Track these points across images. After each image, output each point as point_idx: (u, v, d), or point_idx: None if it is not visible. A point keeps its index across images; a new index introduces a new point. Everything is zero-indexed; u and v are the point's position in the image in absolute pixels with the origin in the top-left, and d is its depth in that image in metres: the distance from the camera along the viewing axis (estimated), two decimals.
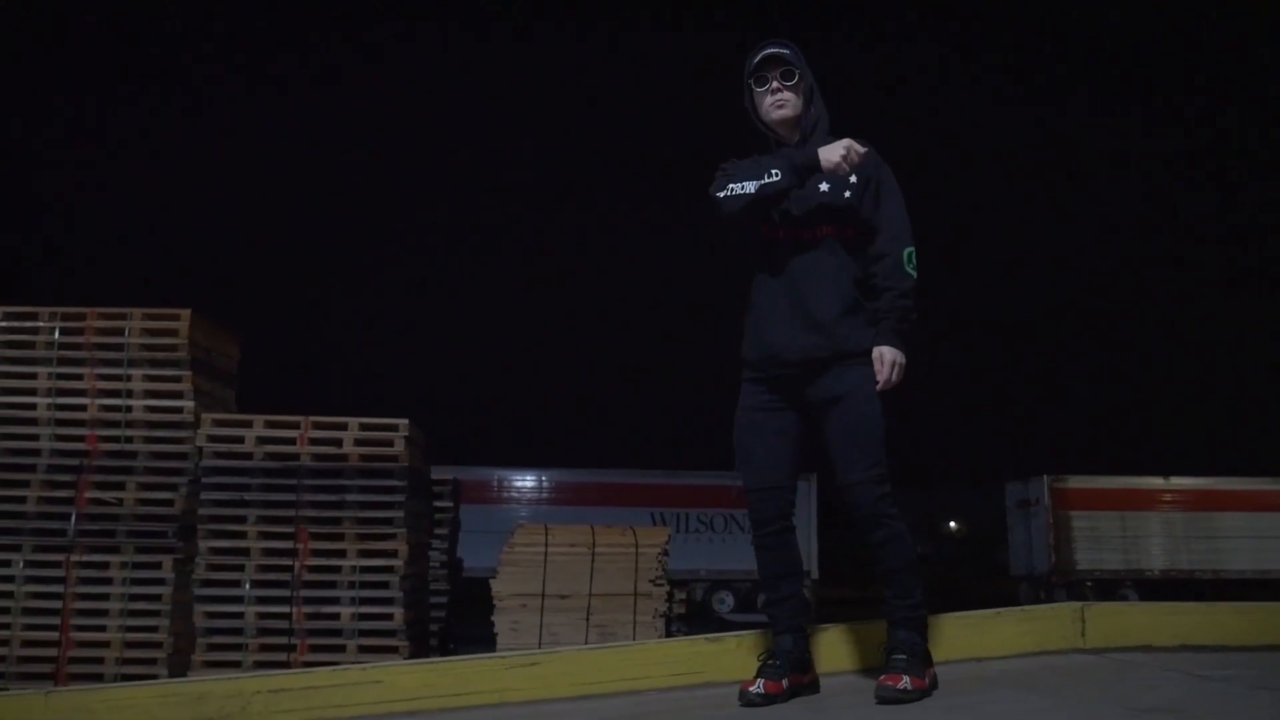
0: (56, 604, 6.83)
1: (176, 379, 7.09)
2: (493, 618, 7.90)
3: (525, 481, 18.72)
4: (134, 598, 6.86)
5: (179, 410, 7.09)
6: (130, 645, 6.82)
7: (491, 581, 7.95)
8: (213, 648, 6.87)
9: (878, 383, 2.86)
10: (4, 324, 7.06)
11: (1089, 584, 19.62)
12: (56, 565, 6.87)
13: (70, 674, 6.75)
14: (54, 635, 6.81)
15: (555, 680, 2.65)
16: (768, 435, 2.97)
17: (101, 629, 6.82)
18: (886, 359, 2.85)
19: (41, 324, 7.08)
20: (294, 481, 7.04)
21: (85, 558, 6.88)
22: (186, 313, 7.12)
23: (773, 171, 2.84)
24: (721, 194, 2.88)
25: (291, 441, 7.11)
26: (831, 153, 2.84)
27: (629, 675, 2.76)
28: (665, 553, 8.00)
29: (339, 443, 7.11)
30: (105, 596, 6.85)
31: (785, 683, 2.82)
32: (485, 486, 17.44)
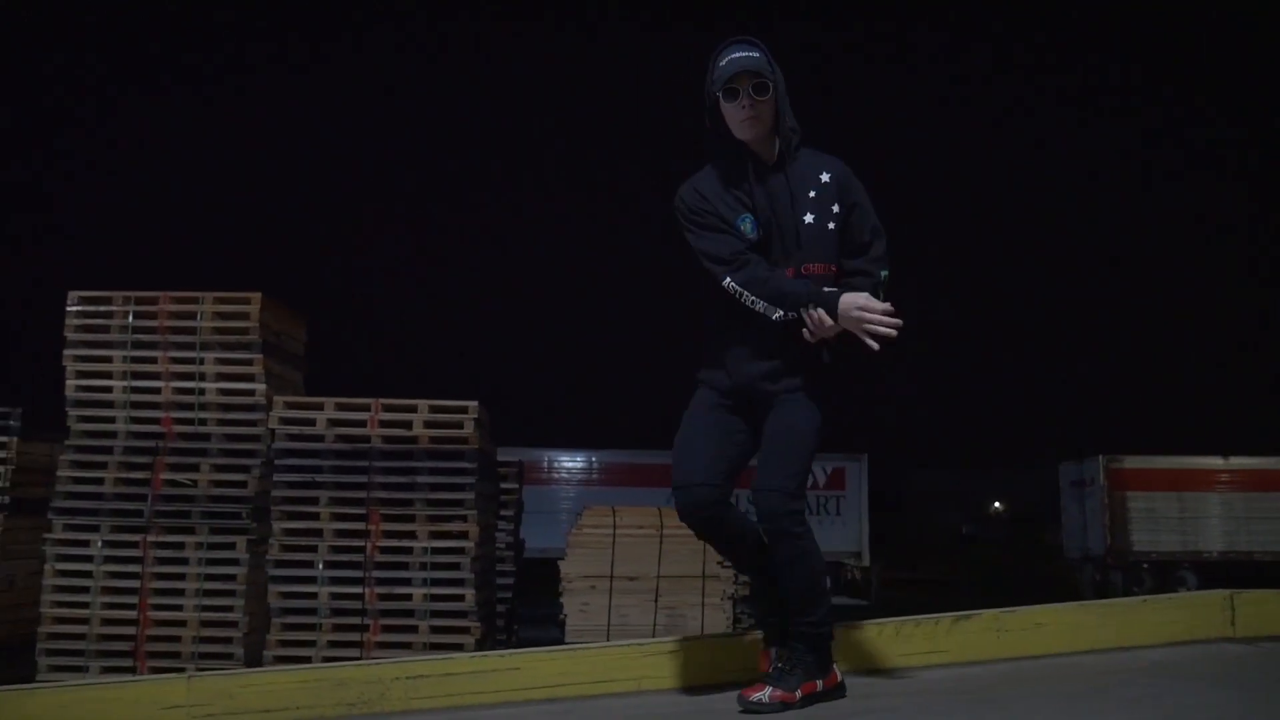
0: (134, 584, 6.93)
1: (248, 362, 7.14)
2: (561, 599, 7.90)
3: (576, 462, 18.77)
4: (209, 578, 6.94)
5: (251, 393, 7.14)
6: (206, 625, 6.91)
7: (560, 563, 7.96)
8: (287, 628, 6.93)
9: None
10: (80, 308, 7.14)
11: (1145, 566, 19.32)
12: (133, 546, 6.96)
13: (148, 653, 6.86)
14: (132, 614, 6.91)
15: (693, 669, 2.62)
16: (707, 434, 2.83)
17: (178, 609, 6.91)
18: (859, 301, 2.68)
19: (116, 308, 7.15)
20: (365, 463, 7.07)
21: (161, 538, 6.97)
22: (257, 296, 7.16)
23: (778, 314, 2.70)
24: (742, 285, 2.72)
25: (362, 424, 7.14)
26: (851, 313, 2.66)
27: (753, 663, 2.72)
28: None
29: (409, 425, 7.13)
30: (181, 577, 6.94)
31: (774, 650, 2.86)
32: (536, 468, 17.50)
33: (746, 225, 2.76)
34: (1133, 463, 19.83)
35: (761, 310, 2.70)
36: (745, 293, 2.71)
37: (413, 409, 7.16)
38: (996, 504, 47.14)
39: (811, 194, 2.77)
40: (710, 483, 2.75)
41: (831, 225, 2.77)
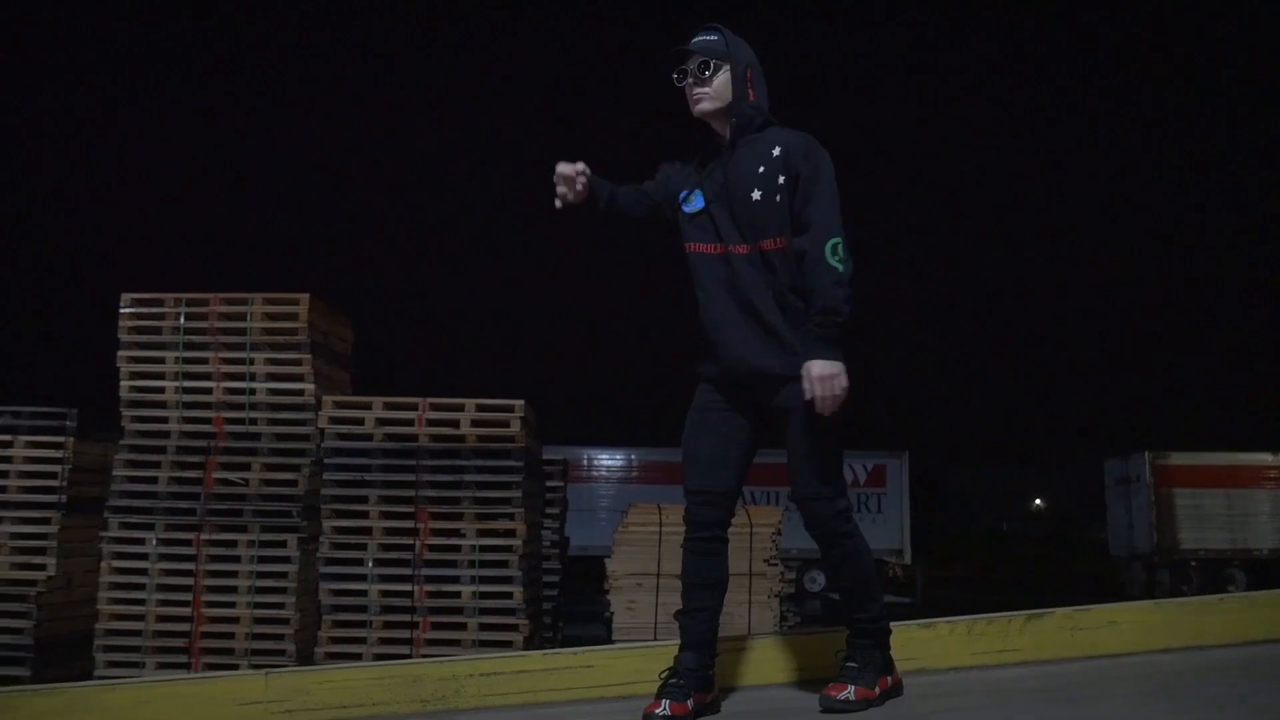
0: (188, 581, 7.01)
1: (297, 362, 7.20)
2: (608, 596, 7.90)
3: (615, 460, 18.79)
4: (261, 575, 7.00)
5: (300, 393, 7.20)
6: (259, 622, 6.97)
7: (607, 561, 7.96)
8: (338, 624, 6.98)
9: (820, 401, 2.62)
10: (133, 310, 7.23)
11: (1193, 564, 19.03)
12: (187, 544, 7.04)
13: (203, 649, 6.94)
14: (186, 611, 6.99)
15: (767, 666, 2.60)
16: (715, 438, 2.82)
17: (231, 605, 6.98)
18: (814, 373, 2.60)
19: (167, 310, 7.24)
20: (413, 462, 7.11)
21: (214, 536, 7.05)
22: (305, 297, 7.21)
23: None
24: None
25: (410, 423, 7.17)
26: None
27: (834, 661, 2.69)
28: (779, 532, 7.92)
29: (456, 424, 7.16)
30: (234, 574, 7.01)
31: (690, 703, 2.68)
32: (575, 466, 17.53)
33: (693, 198, 2.80)
34: (1179, 459, 19.54)
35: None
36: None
37: (460, 408, 7.19)
38: (1037, 501, 46.64)
39: (761, 169, 2.76)
40: (726, 490, 2.81)
41: (779, 198, 2.73)
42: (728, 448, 2.81)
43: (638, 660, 2.75)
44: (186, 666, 6.92)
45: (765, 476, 19.05)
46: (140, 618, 6.96)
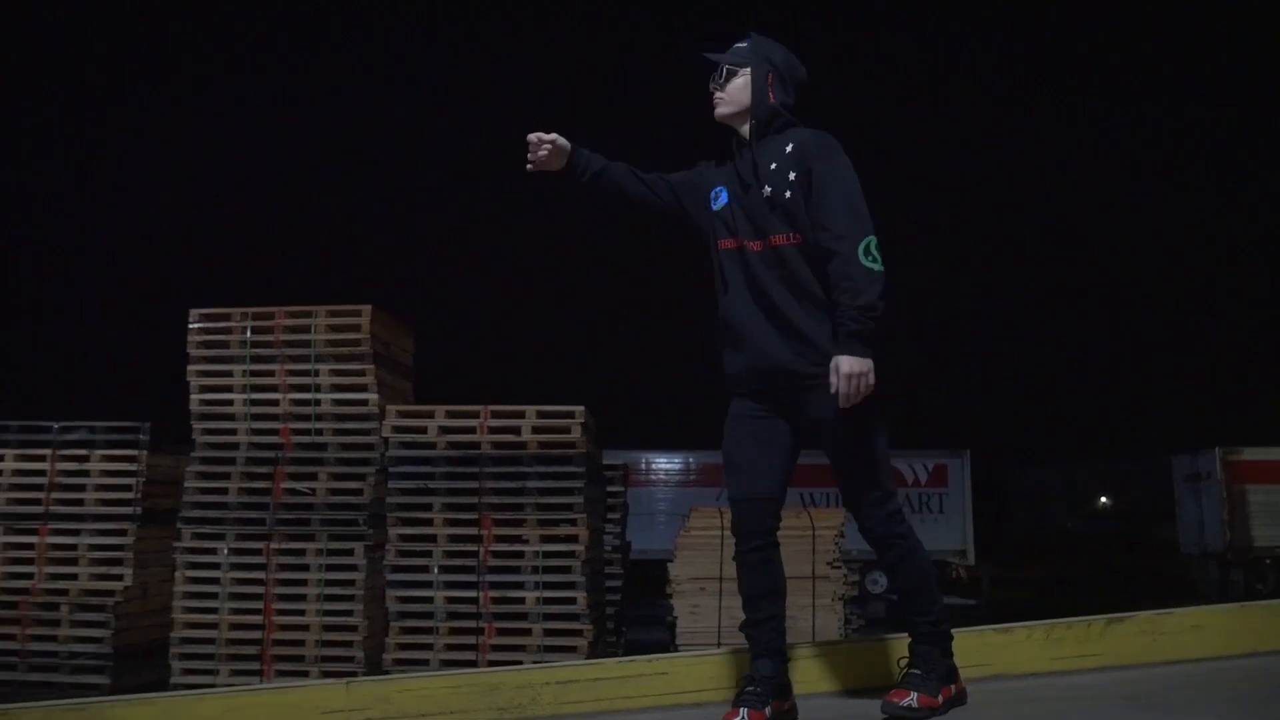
0: (259, 590, 7.15)
1: (360, 373, 7.31)
2: (671, 601, 7.90)
3: (674, 464, 18.78)
4: (329, 583, 7.12)
5: (364, 403, 7.31)
6: (328, 629, 7.09)
7: (669, 565, 7.96)
8: (404, 631, 7.08)
9: (844, 397, 2.60)
10: (201, 325, 7.40)
11: (1268, 561, 18.48)
12: (257, 553, 7.19)
13: (274, 656, 7.08)
14: (258, 619, 7.13)
15: (840, 673, 2.58)
16: (755, 445, 2.80)
17: (300, 613, 7.11)
18: (842, 369, 2.59)
19: (234, 324, 7.39)
20: (476, 469, 7.18)
21: (283, 545, 7.18)
22: (368, 308, 7.32)
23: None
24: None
25: (472, 430, 7.25)
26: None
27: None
28: (841, 534, 7.86)
29: (517, 430, 7.22)
30: (303, 582, 7.14)
31: (769, 710, 2.65)
32: (632, 470, 17.53)
33: (719, 196, 2.88)
34: (1251, 454, 19.00)
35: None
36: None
37: (521, 415, 7.25)
38: (1103, 499, 45.66)
39: (773, 165, 2.80)
40: (771, 496, 2.80)
41: (789, 194, 2.75)
42: (769, 454, 2.80)
43: (713, 667, 2.75)
44: (259, 674, 7.06)
45: (823, 478, 18.96)
46: (214, 626, 7.11)
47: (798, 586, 7.56)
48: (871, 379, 2.61)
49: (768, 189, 2.77)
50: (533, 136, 2.91)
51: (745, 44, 2.94)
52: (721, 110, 2.92)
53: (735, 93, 2.89)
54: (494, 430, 7.24)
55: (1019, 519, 38.69)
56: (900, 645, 2.89)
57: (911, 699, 2.66)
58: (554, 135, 2.90)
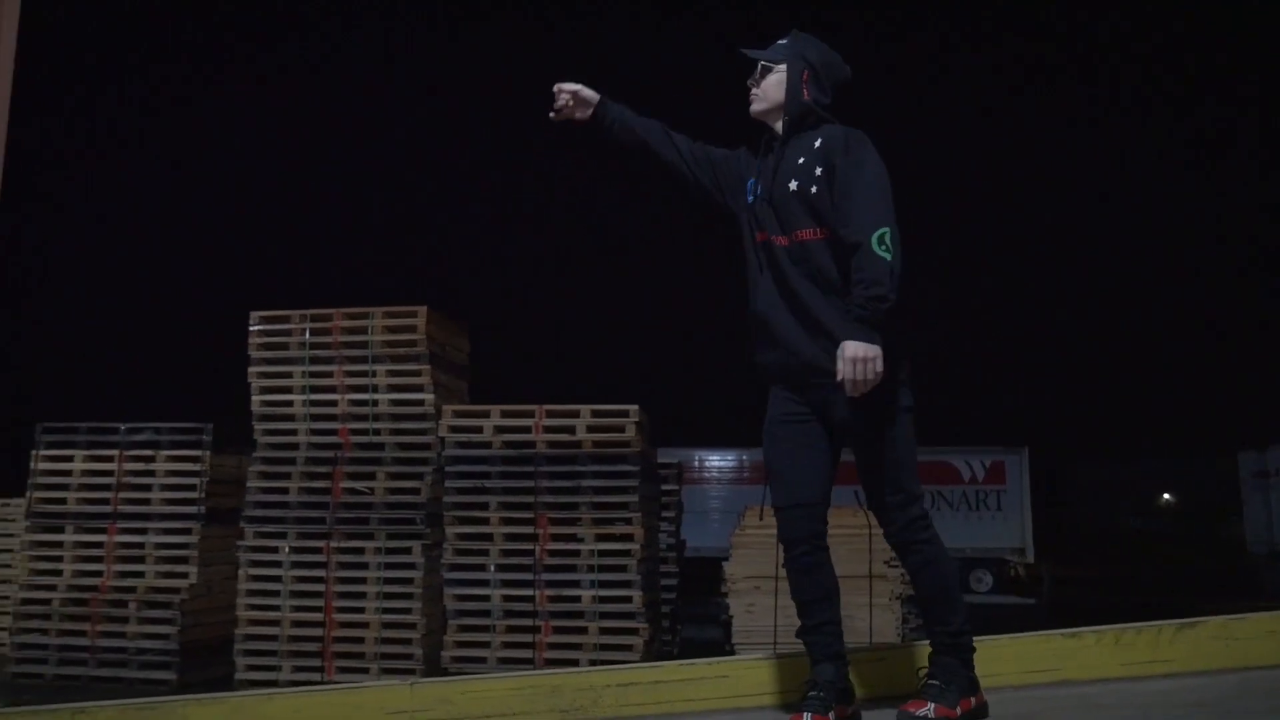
0: (319, 588, 7.26)
1: (416, 373, 7.39)
2: (727, 599, 7.88)
3: (727, 461, 18.73)
4: (388, 582, 7.21)
5: (420, 403, 7.39)
6: (387, 627, 7.18)
7: (724, 564, 7.94)
8: (462, 629, 7.15)
9: (850, 383, 2.54)
10: (261, 327, 7.54)
11: None
12: (317, 551, 7.30)
13: (334, 653, 7.19)
14: (318, 617, 7.25)
15: (903, 677, 2.56)
16: (795, 449, 2.76)
17: (360, 610, 7.21)
18: (847, 353, 2.54)
19: (294, 326, 7.52)
20: (531, 469, 7.23)
21: (342, 544, 7.29)
22: (423, 309, 7.40)
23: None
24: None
25: (527, 430, 7.30)
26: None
27: (981, 672, 2.62)
28: None
29: (572, 430, 7.25)
30: (362, 580, 7.24)
31: (832, 715, 2.61)
32: (686, 467, 17.53)
33: (755, 190, 2.87)
34: None
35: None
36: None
37: (575, 414, 7.28)
38: (1166, 496, 44.66)
39: (800, 160, 2.80)
40: (815, 500, 2.75)
41: (814, 189, 2.74)
42: (810, 457, 2.77)
43: (774, 670, 2.73)
44: (320, 670, 7.18)
45: (850, 475, 18.79)
46: (276, 623, 7.25)
47: (854, 586, 7.49)
48: (879, 366, 2.55)
49: (794, 184, 2.77)
50: (557, 86, 2.97)
51: (785, 41, 2.95)
52: (756, 106, 2.94)
53: (770, 89, 2.90)
54: (549, 430, 7.28)
55: (1078, 516, 37.97)
56: (922, 653, 2.83)
57: (928, 709, 2.59)
58: (577, 85, 2.96)
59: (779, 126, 2.89)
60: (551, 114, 2.98)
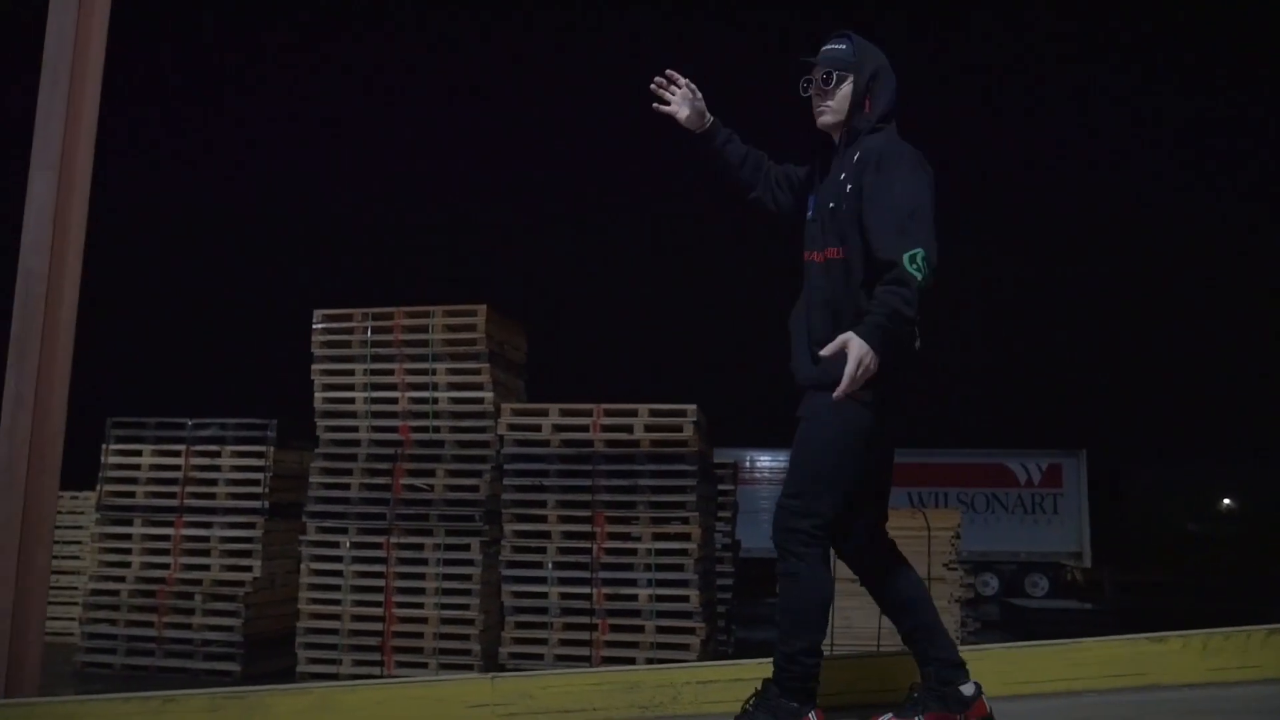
0: (379, 583, 7.35)
1: (476, 371, 7.45)
2: None
3: (776, 461, 18.64)
4: (447, 578, 7.28)
5: (480, 401, 7.45)
6: (445, 622, 7.25)
7: None
8: (520, 625, 7.19)
9: (839, 384, 2.44)
10: (325, 325, 7.64)
11: None
12: (377, 547, 7.39)
13: (394, 648, 7.27)
14: (378, 612, 7.33)
15: (987, 678, 2.53)
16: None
17: (419, 606, 7.28)
18: (851, 348, 2.43)
19: (356, 324, 7.62)
20: (589, 467, 7.25)
21: (402, 539, 7.37)
22: (483, 308, 7.46)
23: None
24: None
25: (585, 429, 7.32)
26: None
27: (1065, 675, 2.59)
28: (957, 535, 7.68)
29: (630, 429, 7.26)
30: (421, 576, 7.31)
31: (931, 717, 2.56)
32: (737, 468, 17.47)
33: (809, 204, 2.83)
34: None
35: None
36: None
37: (633, 413, 7.29)
38: (1226, 500, 43.66)
39: (841, 176, 2.73)
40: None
41: (844, 206, 2.69)
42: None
43: (848, 671, 2.71)
44: (380, 664, 7.27)
45: (933, 477, 18.61)
46: (337, 617, 7.34)
47: None
48: (873, 367, 2.44)
49: (832, 203, 2.73)
50: (670, 73, 2.88)
51: (844, 46, 2.79)
52: (827, 119, 2.80)
53: (841, 102, 2.78)
54: (607, 428, 7.30)
55: (1134, 520, 37.24)
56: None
57: None
58: (688, 82, 2.88)
59: (837, 139, 2.81)
60: (657, 103, 2.91)
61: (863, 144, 2.73)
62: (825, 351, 2.49)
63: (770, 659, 2.56)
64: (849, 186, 2.68)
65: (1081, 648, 2.77)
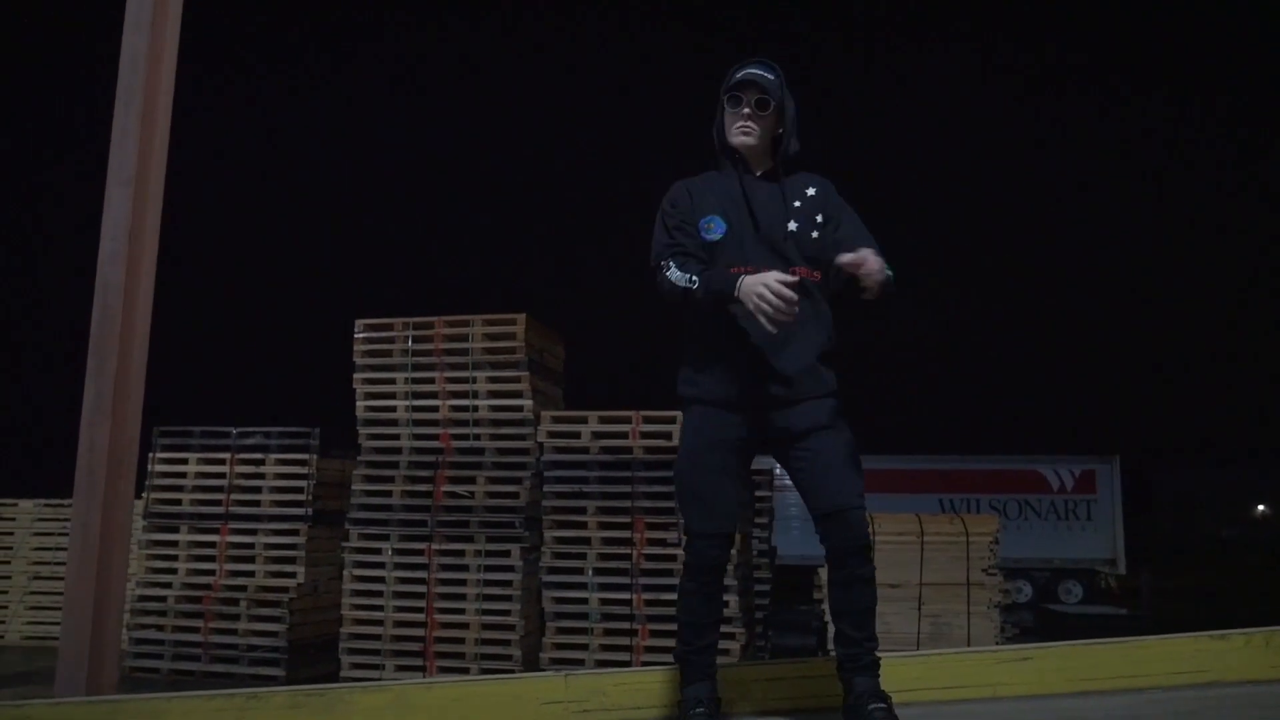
0: (421, 589, 7.44)
1: (516, 379, 7.54)
2: (822, 606, 7.87)
3: None
4: (487, 584, 7.36)
5: (519, 409, 7.53)
6: (486, 628, 7.32)
7: (820, 570, 7.94)
8: (560, 631, 7.26)
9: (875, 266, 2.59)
10: (366, 334, 7.75)
11: None
12: (419, 553, 7.48)
13: (436, 653, 7.35)
14: (420, 617, 7.42)
15: (1049, 675, 2.57)
16: (718, 476, 2.79)
17: (460, 612, 7.36)
18: (871, 255, 2.61)
19: (397, 333, 7.72)
20: (628, 473, 7.32)
21: (444, 546, 7.45)
22: (522, 317, 7.55)
23: (692, 279, 2.69)
24: (665, 270, 2.75)
25: (624, 435, 7.39)
26: (752, 290, 2.57)
27: (1127, 672, 2.63)
28: (996, 541, 7.69)
29: (669, 435, 7.32)
30: (462, 582, 7.39)
31: None
32: (771, 475, 17.44)
33: (712, 226, 2.83)
34: None
35: (680, 290, 2.71)
36: (674, 272, 2.73)
37: (671, 420, 7.34)
38: (1260, 506, 43.12)
39: (797, 204, 2.85)
40: (734, 531, 2.86)
41: (815, 234, 2.83)
42: (730, 486, 2.81)
43: (918, 668, 2.76)
44: (422, 669, 7.35)
45: (965, 483, 18.50)
46: (379, 623, 7.43)
47: (952, 593, 7.45)
48: (880, 277, 2.61)
49: (793, 225, 2.82)
50: (788, 294, 2.59)
51: (774, 77, 2.86)
52: (747, 140, 2.85)
53: (768, 128, 2.87)
54: (645, 435, 7.36)
55: (1166, 526, 36.88)
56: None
57: None
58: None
59: (759, 162, 2.89)
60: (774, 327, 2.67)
61: (809, 177, 2.92)
62: (847, 259, 2.62)
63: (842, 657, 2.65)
64: (819, 216, 2.84)
65: (1144, 645, 2.81)
